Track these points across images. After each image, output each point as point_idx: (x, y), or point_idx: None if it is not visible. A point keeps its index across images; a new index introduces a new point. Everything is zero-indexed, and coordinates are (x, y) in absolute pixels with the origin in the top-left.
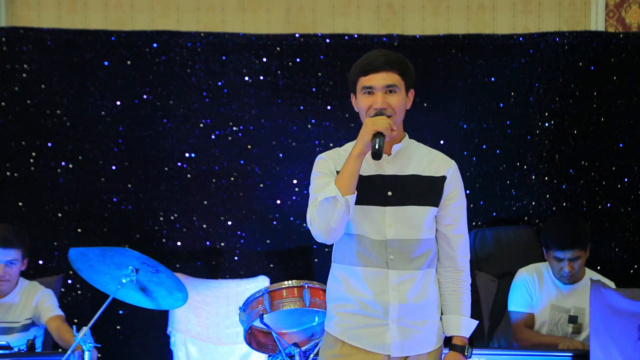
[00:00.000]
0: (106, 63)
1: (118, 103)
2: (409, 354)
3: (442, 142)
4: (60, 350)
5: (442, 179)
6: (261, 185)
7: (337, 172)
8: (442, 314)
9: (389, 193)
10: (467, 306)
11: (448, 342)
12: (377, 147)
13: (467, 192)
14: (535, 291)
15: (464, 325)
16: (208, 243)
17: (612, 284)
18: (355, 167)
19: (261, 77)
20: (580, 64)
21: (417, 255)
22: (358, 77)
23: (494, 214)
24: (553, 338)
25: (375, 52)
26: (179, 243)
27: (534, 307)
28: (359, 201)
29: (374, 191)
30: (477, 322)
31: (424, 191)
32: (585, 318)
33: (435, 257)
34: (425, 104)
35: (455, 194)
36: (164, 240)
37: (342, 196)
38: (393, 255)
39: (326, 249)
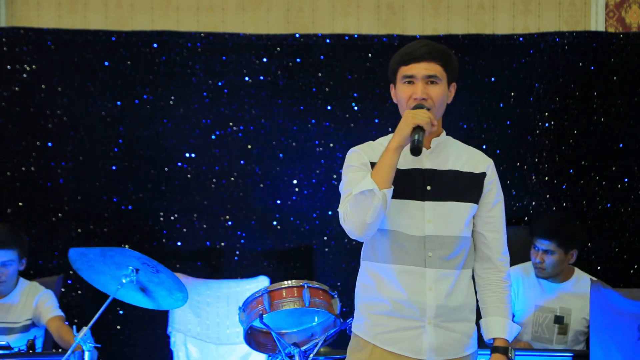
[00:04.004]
0: (106, 63)
1: (118, 103)
2: (445, 357)
3: None
4: (60, 350)
5: (482, 175)
6: (261, 185)
7: (371, 164)
8: (482, 316)
9: (428, 187)
10: (509, 309)
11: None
12: (416, 142)
13: None
14: (518, 292)
15: (509, 329)
16: (208, 243)
17: None
18: (394, 160)
19: (261, 77)
20: (580, 64)
21: (455, 253)
22: (399, 67)
23: None
24: None
25: (418, 41)
26: (179, 243)
27: (514, 307)
28: (396, 195)
29: (412, 185)
30: (519, 327)
31: (464, 187)
32: (572, 319)
33: (470, 256)
34: None
35: (494, 192)
36: (164, 240)
37: (379, 190)
38: (432, 253)
39: (326, 249)
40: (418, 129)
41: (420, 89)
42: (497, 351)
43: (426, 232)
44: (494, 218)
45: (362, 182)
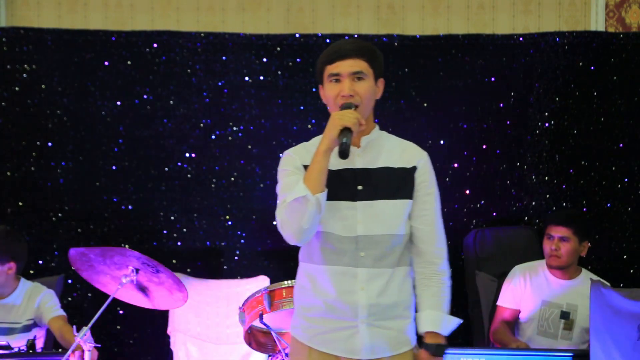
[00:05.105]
0: (106, 63)
1: (118, 103)
2: (380, 356)
3: (442, 142)
4: (60, 350)
5: (413, 169)
6: (261, 185)
7: (305, 167)
8: (416, 311)
9: (359, 187)
10: (441, 300)
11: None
12: (343, 145)
13: (467, 192)
14: (525, 288)
15: (439, 321)
16: (208, 243)
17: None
18: (323, 163)
19: (261, 77)
20: (580, 64)
21: (388, 252)
22: (324, 66)
23: (494, 214)
24: (508, 339)
25: (342, 40)
26: (179, 243)
27: (520, 303)
28: (327, 197)
29: (343, 186)
30: (457, 320)
31: (396, 184)
32: (578, 315)
33: (406, 253)
34: (425, 104)
35: (425, 184)
36: (164, 240)
37: (312, 195)
38: (364, 253)
39: None
40: (345, 130)
41: (347, 86)
42: (423, 346)
43: (358, 232)
44: (426, 211)
45: (295, 189)
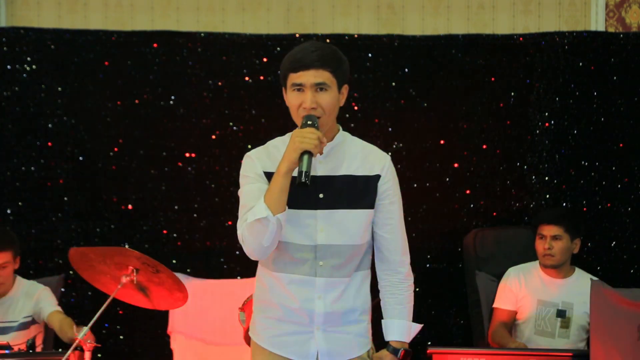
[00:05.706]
0: (106, 63)
1: (118, 103)
2: None
3: (442, 142)
4: (60, 350)
5: (376, 178)
6: None
7: (265, 174)
8: (383, 317)
9: (321, 195)
10: (406, 309)
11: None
12: (302, 174)
13: (467, 192)
14: (520, 288)
15: (406, 330)
16: (208, 243)
17: None
18: (284, 184)
19: (261, 77)
20: (580, 64)
21: (347, 261)
22: (288, 73)
23: (494, 214)
24: (506, 340)
25: (307, 46)
26: (179, 243)
27: (517, 304)
28: (288, 205)
29: (304, 194)
30: (419, 325)
31: (358, 193)
32: (574, 312)
33: (365, 260)
34: (425, 104)
35: (389, 192)
36: (164, 240)
37: (272, 216)
38: (323, 262)
39: None
40: (306, 153)
41: (309, 98)
42: (388, 349)
43: (318, 242)
44: (391, 220)
45: (256, 208)
